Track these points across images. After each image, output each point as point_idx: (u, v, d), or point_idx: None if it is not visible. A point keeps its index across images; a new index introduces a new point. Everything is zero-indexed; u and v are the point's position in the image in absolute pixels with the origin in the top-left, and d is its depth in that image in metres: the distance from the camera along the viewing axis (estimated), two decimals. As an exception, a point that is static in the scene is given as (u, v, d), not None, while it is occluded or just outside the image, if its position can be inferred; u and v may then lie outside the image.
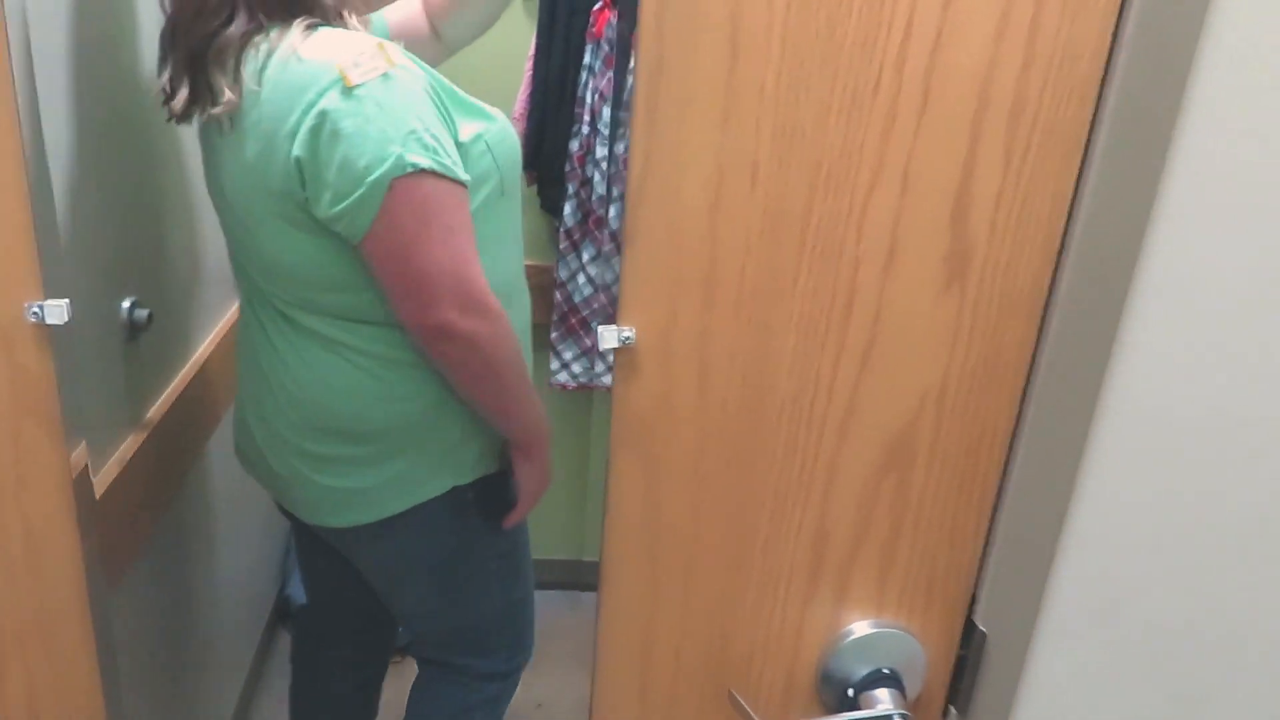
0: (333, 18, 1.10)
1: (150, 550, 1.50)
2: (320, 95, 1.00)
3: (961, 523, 0.89)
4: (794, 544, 0.88)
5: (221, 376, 1.78)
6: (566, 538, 2.39)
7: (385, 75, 1.02)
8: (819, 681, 0.91)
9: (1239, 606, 0.91)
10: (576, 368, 2.17)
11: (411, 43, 1.35)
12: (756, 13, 0.71)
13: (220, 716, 1.96)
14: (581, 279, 2.10)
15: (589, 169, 2.03)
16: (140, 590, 1.47)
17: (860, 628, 0.91)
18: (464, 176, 1.07)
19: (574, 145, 2.05)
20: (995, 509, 0.89)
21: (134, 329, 1.41)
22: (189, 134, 1.54)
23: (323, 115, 1.00)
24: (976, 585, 0.92)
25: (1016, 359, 0.84)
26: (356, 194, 1.01)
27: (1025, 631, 0.92)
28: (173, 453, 1.57)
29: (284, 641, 2.34)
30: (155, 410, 1.52)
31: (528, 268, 1.33)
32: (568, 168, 2.06)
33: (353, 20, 1.11)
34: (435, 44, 1.40)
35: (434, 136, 1.04)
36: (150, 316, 1.43)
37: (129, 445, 1.41)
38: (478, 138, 1.13)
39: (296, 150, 1.01)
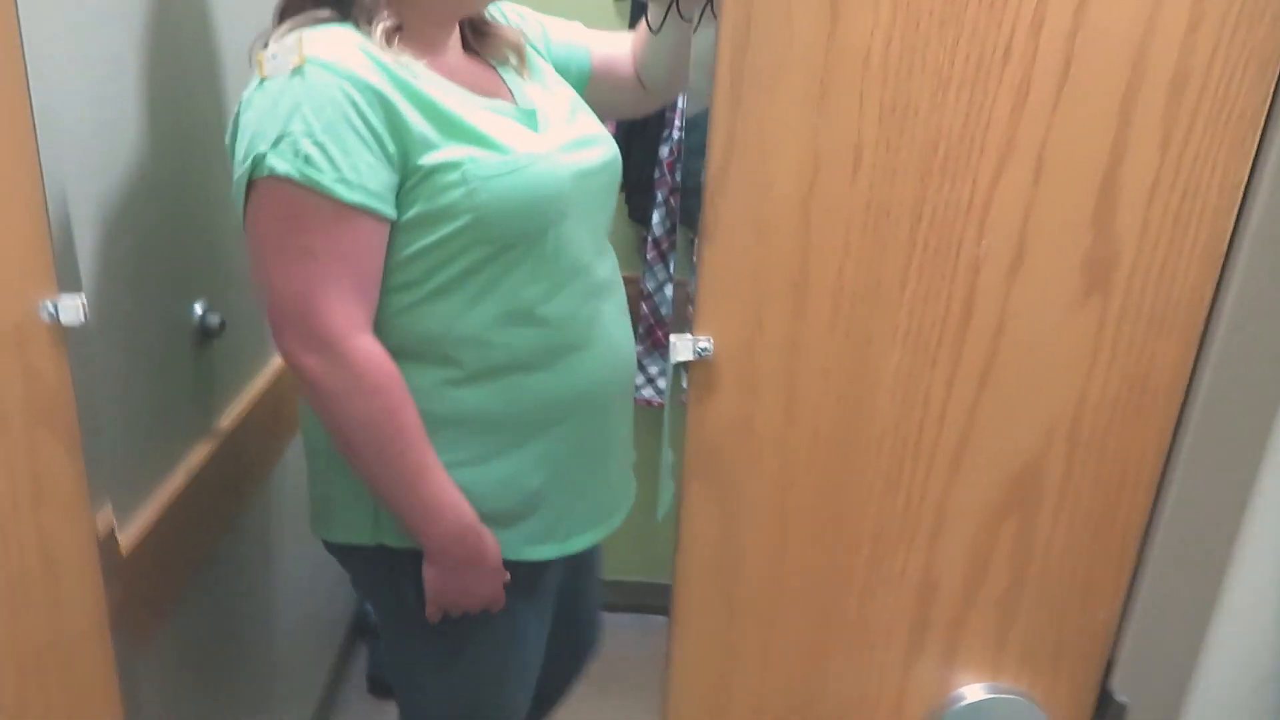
0: (359, 20, 1.02)
1: (219, 558, 1.46)
2: (249, 85, 0.98)
3: (1097, 576, 0.75)
4: (896, 593, 0.75)
5: (296, 386, 1.74)
6: (636, 557, 2.28)
7: (294, 70, 0.95)
8: (923, 754, 0.79)
9: None
10: (662, 383, 2.07)
11: (616, 85, 1.27)
12: (862, -33, 0.60)
13: (293, 732, 1.91)
14: (669, 290, 2.00)
15: (679, 175, 1.94)
16: (208, 598, 1.42)
17: (973, 692, 0.78)
18: (353, 198, 0.96)
19: (664, 151, 1.96)
20: (1139, 561, 0.76)
21: (206, 334, 1.37)
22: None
23: (239, 105, 0.98)
24: (1114, 649, 0.78)
25: (1169, 385, 0.70)
26: (234, 189, 0.98)
27: (1172, 704, 0.78)
28: (245, 462, 1.53)
29: (361, 657, 2.30)
30: (228, 419, 1.47)
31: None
32: (657, 174, 1.97)
33: (377, 28, 1.00)
34: (640, 90, 1.29)
35: (317, 144, 0.94)
36: (223, 322, 1.39)
37: (198, 453, 1.36)
38: (452, 165, 0.99)
39: (227, 139, 1.02)
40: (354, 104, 0.96)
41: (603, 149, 1.16)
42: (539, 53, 1.24)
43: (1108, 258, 0.66)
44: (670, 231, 1.98)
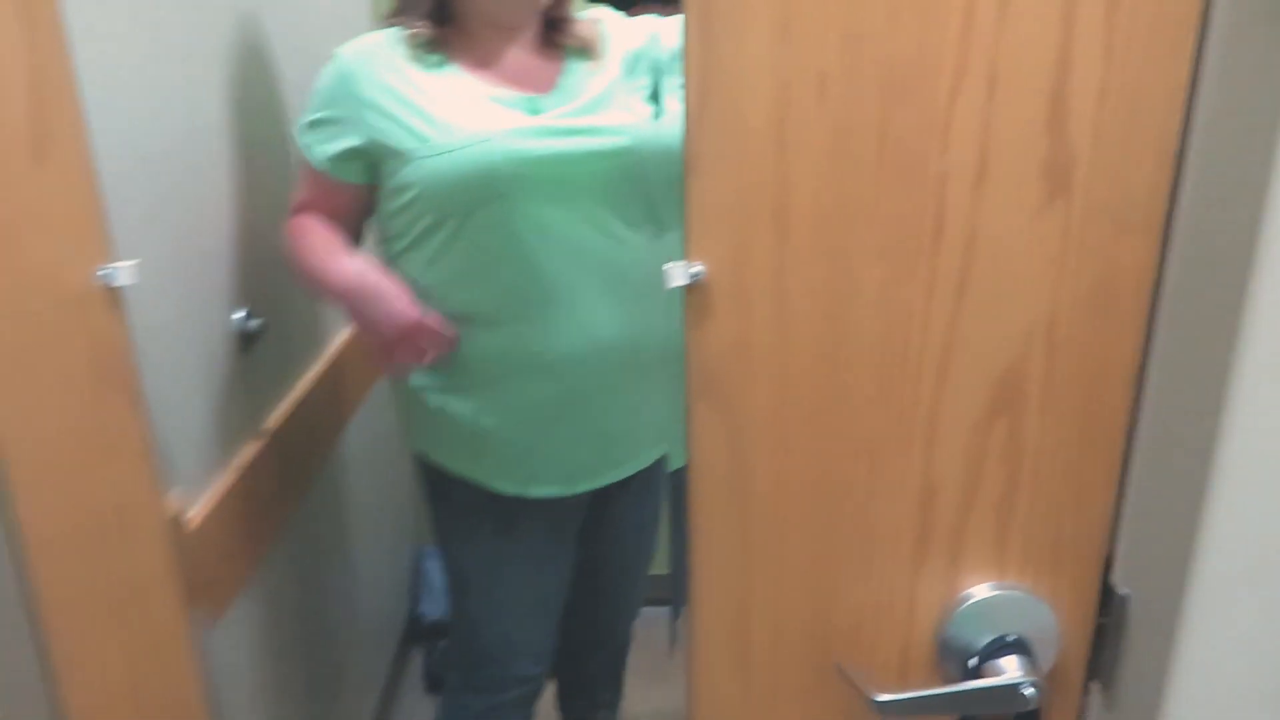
0: (405, 26, 1.32)
1: (273, 559, 1.53)
2: None
3: (1088, 472, 0.80)
4: (897, 500, 0.80)
5: (343, 388, 1.82)
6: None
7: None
8: (938, 651, 0.83)
9: None
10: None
11: None
12: (811, -91, 0.66)
13: (354, 731, 1.97)
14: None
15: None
16: (263, 599, 1.49)
17: (980, 591, 0.82)
18: (316, 162, 1.33)
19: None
20: (1127, 455, 0.80)
21: (247, 339, 1.46)
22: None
23: None
24: (1112, 543, 0.83)
25: (1136, 282, 0.75)
26: None
27: (1174, 594, 0.82)
28: (294, 461, 1.61)
29: (416, 661, 2.36)
30: (274, 419, 1.55)
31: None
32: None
33: (411, 33, 1.31)
34: None
35: (310, 120, 1.32)
36: (263, 326, 1.47)
37: (247, 453, 1.44)
38: (404, 148, 1.26)
39: None
40: (336, 89, 1.28)
41: (606, 139, 1.27)
42: (655, 57, 1.38)
43: (1065, 162, 0.71)
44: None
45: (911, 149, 0.71)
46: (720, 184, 0.72)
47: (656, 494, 1.56)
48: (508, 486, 1.38)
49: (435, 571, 2.42)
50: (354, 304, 1.31)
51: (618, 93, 1.32)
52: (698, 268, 0.73)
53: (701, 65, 0.69)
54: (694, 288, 0.74)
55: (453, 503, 1.43)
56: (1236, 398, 0.76)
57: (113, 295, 0.74)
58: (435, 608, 2.36)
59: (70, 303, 0.72)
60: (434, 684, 2.26)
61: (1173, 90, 0.70)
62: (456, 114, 1.25)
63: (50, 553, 0.81)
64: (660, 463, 1.48)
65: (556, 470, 1.38)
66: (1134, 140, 0.71)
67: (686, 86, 0.70)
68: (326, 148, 1.31)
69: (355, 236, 1.40)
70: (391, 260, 1.34)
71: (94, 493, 0.77)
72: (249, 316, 1.46)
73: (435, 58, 1.29)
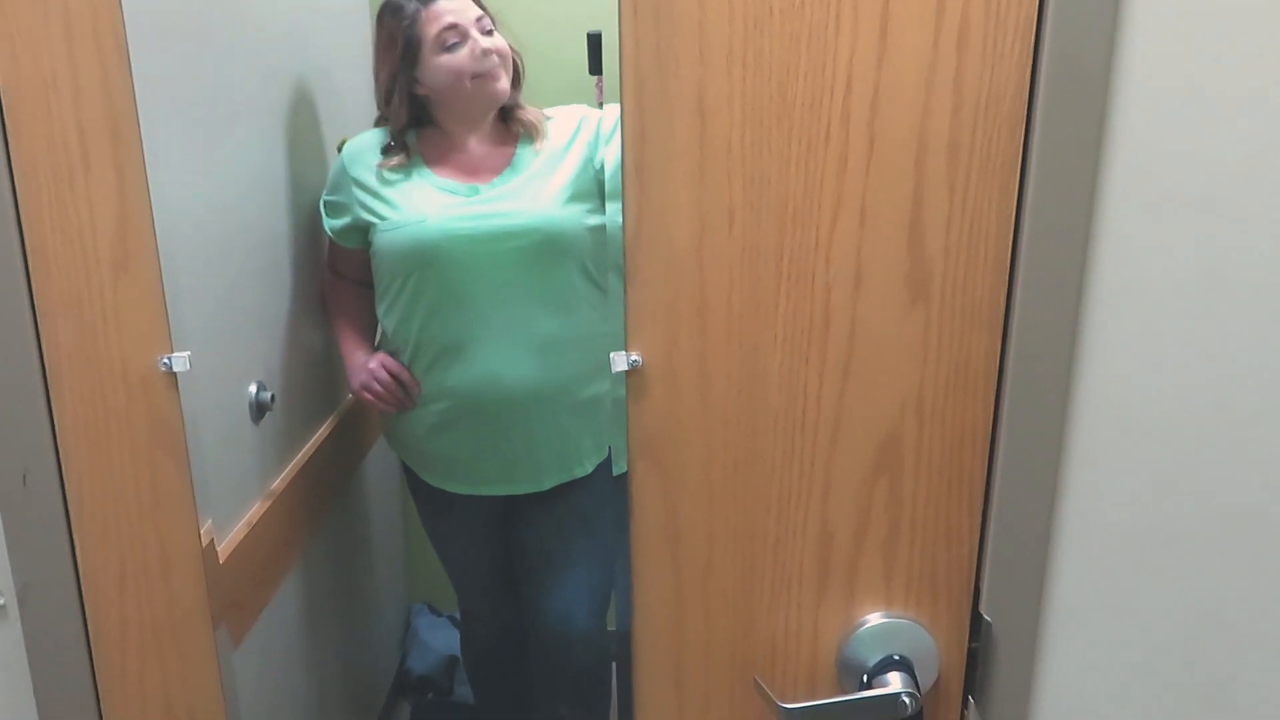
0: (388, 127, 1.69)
1: (274, 611, 1.69)
2: None
3: (955, 520, 0.98)
4: (801, 543, 0.98)
5: (341, 454, 2.00)
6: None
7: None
8: (838, 669, 1.01)
9: (1244, 584, 0.97)
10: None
11: None
12: (718, 84, 0.86)
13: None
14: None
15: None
16: (264, 648, 1.65)
17: (873, 619, 1.00)
18: (328, 230, 1.72)
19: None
20: (986, 506, 0.98)
21: (260, 409, 1.63)
22: (314, 242, 1.80)
23: None
24: (979, 578, 1.00)
25: (986, 366, 0.94)
26: None
27: (1031, 621, 1.00)
28: (295, 520, 1.78)
29: (404, 712, 2.49)
30: (279, 482, 1.72)
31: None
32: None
33: (391, 133, 1.70)
34: None
35: (324, 194, 1.73)
36: (273, 398, 1.65)
37: (255, 511, 1.61)
38: (371, 223, 1.66)
39: None
40: (339, 176, 1.68)
41: (508, 221, 1.61)
42: (588, 138, 1.68)
43: (924, 275, 0.91)
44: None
45: (802, 264, 0.91)
46: (653, 292, 0.91)
47: (570, 508, 1.83)
48: (432, 480, 1.82)
49: (425, 628, 2.56)
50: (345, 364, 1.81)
51: (546, 177, 1.64)
52: (635, 356, 0.92)
53: (637, 201, 0.89)
54: (633, 372, 0.93)
55: (411, 486, 1.90)
56: (1069, 459, 0.95)
57: (170, 379, 0.92)
58: (423, 663, 2.49)
59: (136, 385, 0.90)
60: (420, 735, 2.39)
61: (1004, 219, 0.90)
62: (408, 199, 1.63)
63: (103, 590, 0.98)
64: (575, 483, 1.79)
65: (466, 475, 1.79)
66: (976, 258, 0.91)
67: (625, 215, 0.90)
68: (334, 222, 1.72)
69: (368, 283, 1.78)
70: (377, 304, 1.74)
71: (144, 540, 0.95)
72: (260, 389, 1.64)
73: (407, 155, 1.65)
